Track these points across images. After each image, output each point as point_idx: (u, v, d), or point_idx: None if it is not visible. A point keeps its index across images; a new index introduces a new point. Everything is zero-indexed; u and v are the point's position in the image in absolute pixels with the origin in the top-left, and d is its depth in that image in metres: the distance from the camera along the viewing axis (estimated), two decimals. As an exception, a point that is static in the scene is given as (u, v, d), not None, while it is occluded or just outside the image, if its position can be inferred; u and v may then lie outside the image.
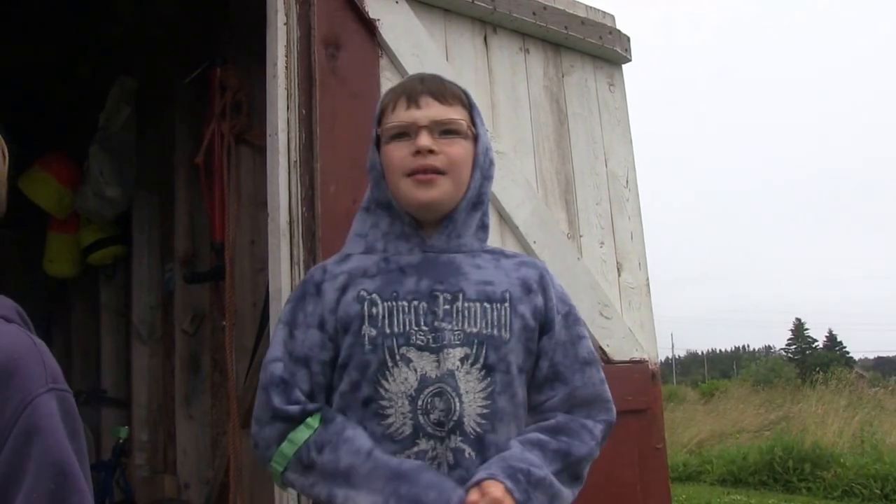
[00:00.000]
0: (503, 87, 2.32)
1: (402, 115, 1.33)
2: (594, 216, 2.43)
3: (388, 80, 2.06)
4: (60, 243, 4.01)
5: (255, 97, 2.85)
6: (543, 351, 1.35)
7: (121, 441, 3.50)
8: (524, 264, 1.41)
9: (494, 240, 2.15)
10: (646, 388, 2.37)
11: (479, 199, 1.38)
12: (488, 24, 2.33)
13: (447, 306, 1.29)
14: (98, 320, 4.11)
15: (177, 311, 3.39)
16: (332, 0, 2.02)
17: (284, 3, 1.99)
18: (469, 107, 1.39)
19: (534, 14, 2.37)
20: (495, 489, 1.18)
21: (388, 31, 2.08)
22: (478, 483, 1.20)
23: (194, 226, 3.44)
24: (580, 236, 2.38)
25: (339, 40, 2.03)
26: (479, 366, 1.27)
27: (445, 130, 1.33)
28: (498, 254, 1.42)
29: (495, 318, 1.31)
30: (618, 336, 2.35)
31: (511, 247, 2.19)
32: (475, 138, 1.38)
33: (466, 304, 1.30)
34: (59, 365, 0.98)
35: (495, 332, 1.30)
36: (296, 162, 1.93)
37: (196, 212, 3.40)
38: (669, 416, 12.00)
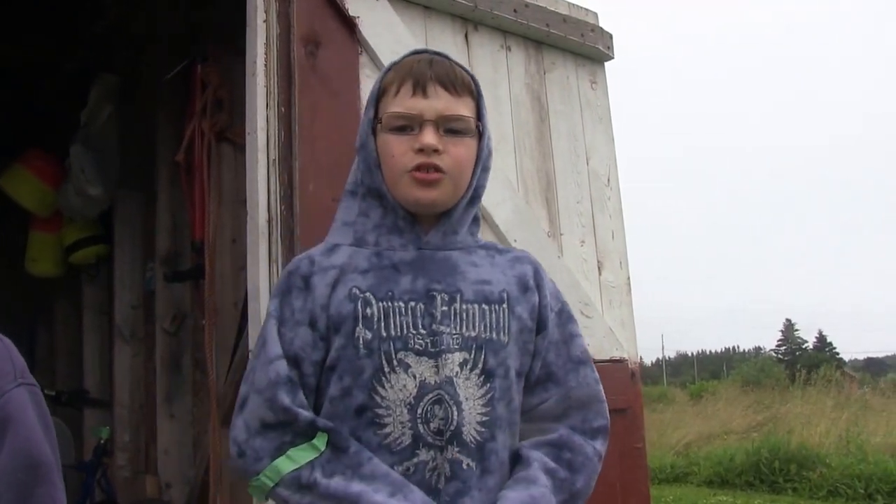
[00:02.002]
0: (484, 85, 2.25)
1: (408, 103, 1.23)
2: (575, 214, 2.43)
3: (367, 78, 2.05)
4: (43, 242, 3.99)
5: (236, 95, 2.84)
6: (537, 351, 1.30)
7: (102, 441, 3.48)
8: (518, 260, 1.35)
9: (475, 238, 2.15)
10: (626, 387, 2.37)
11: (476, 194, 1.31)
12: (469, 22, 2.32)
13: (445, 308, 1.22)
14: (81, 320, 4.08)
15: (158, 310, 3.37)
16: (312, -3, 2.01)
17: (264, 1, 1.98)
18: (477, 96, 1.30)
19: (515, 11, 2.37)
20: None
21: (368, 29, 2.07)
22: None
23: (176, 224, 3.42)
24: (561, 235, 2.38)
25: (319, 38, 2.02)
26: (478, 371, 1.21)
27: (452, 129, 1.24)
28: (492, 249, 1.35)
29: (494, 320, 1.25)
30: (598, 335, 2.34)
31: (492, 245, 2.19)
32: (480, 135, 1.29)
33: (465, 306, 1.23)
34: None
35: (494, 335, 1.24)
36: (275, 160, 1.92)
37: (178, 210, 3.38)
38: (658, 417, 12.07)
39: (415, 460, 1.17)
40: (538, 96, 2.45)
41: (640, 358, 2.56)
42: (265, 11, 1.98)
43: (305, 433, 1.16)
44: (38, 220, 3.93)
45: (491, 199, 2.20)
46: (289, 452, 1.15)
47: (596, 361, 2.29)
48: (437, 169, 1.23)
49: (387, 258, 1.25)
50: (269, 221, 1.88)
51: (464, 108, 1.26)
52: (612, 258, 2.49)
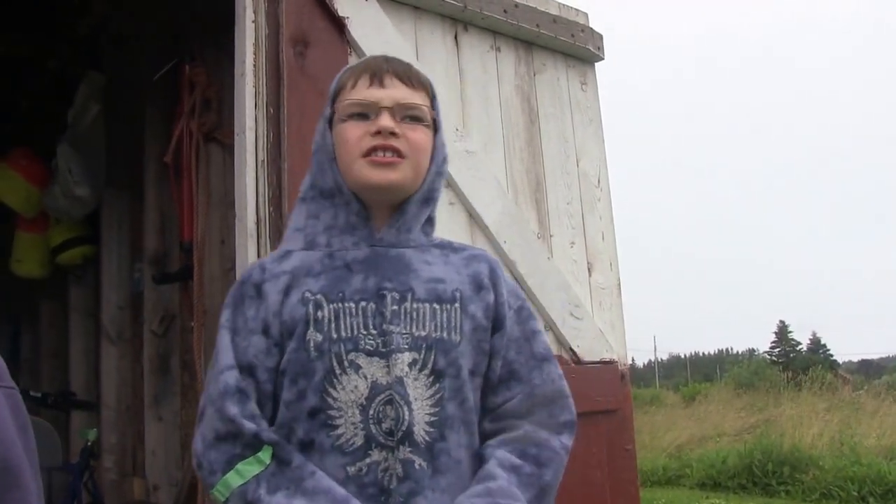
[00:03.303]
0: (474, 86, 2.31)
1: (364, 93, 1.24)
2: (565, 216, 2.43)
3: (357, 79, 2.05)
4: (29, 243, 3.95)
5: (225, 95, 2.82)
6: (496, 350, 1.28)
7: (89, 443, 3.44)
8: (474, 258, 1.33)
9: (464, 239, 2.14)
10: (616, 388, 2.37)
11: (430, 195, 1.30)
12: (459, 22, 2.31)
13: (395, 307, 1.21)
14: (67, 321, 4.05)
15: (146, 311, 3.35)
16: (301, -3, 2.00)
17: (253, 1, 1.97)
18: (432, 97, 1.31)
19: (505, 12, 2.36)
20: None
21: (357, 29, 2.06)
22: None
23: (164, 225, 3.40)
24: (551, 236, 2.37)
25: (308, 38, 2.01)
26: (427, 371, 1.20)
27: (409, 116, 1.24)
28: (446, 248, 1.34)
29: (445, 319, 1.24)
30: (588, 337, 2.34)
31: (481, 246, 2.18)
32: (435, 129, 1.30)
33: (415, 305, 1.23)
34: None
35: (445, 335, 1.23)
36: (263, 161, 1.90)
37: (166, 211, 3.36)
38: (650, 419, 12.07)
39: (367, 461, 1.16)
40: (528, 97, 2.44)
41: (632, 359, 2.56)
42: (254, 11, 1.97)
43: (252, 445, 1.16)
44: (23, 220, 3.89)
45: (480, 201, 2.19)
46: (237, 466, 1.15)
47: (586, 363, 2.33)
48: (397, 153, 1.22)
49: (339, 258, 1.25)
50: (258, 223, 1.87)
51: (419, 99, 1.27)
52: (603, 259, 2.49)
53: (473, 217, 2.18)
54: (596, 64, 2.66)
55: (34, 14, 3.65)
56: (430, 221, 1.33)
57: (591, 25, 2.61)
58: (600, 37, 2.64)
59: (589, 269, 2.44)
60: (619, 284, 2.53)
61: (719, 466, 8.59)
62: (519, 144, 2.37)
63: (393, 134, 1.22)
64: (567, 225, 2.42)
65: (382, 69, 1.26)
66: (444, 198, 2.12)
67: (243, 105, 1.92)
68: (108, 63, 3.67)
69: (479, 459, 1.25)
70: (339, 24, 2.04)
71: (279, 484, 1.14)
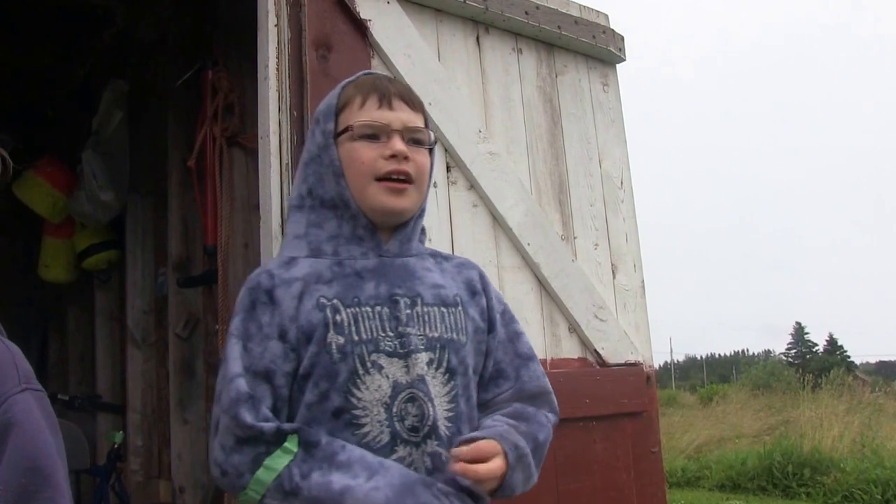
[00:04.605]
0: (496, 88, 2.31)
1: (375, 115, 1.31)
2: (588, 217, 2.42)
3: (379, 82, 2.05)
4: (55, 248, 3.99)
5: (248, 99, 2.84)
6: (489, 350, 1.38)
7: (116, 446, 3.48)
8: (464, 266, 1.44)
9: (488, 242, 2.14)
10: (641, 390, 2.35)
11: (424, 209, 1.41)
12: (480, 24, 2.31)
13: (408, 311, 1.28)
14: (93, 325, 4.08)
15: (170, 315, 3.36)
16: (323, 1, 2.01)
17: (275, 5, 1.98)
18: (425, 117, 1.40)
19: (526, 14, 2.36)
20: (489, 445, 1.21)
21: (379, 32, 2.07)
22: (470, 440, 1.23)
23: (188, 229, 3.42)
24: (574, 238, 2.36)
25: (331, 41, 2.02)
26: (442, 370, 1.28)
27: (413, 139, 1.33)
28: (438, 256, 1.43)
29: (452, 321, 1.32)
30: (613, 339, 2.33)
31: (505, 249, 2.18)
32: (430, 150, 1.39)
33: (426, 309, 1.30)
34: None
35: (454, 335, 1.31)
36: (287, 164, 1.91)
37: (190, 215, 3.38)
38: (668, 420, 11.98)
39: (393, 457, 1.21)
40: (550, 99, 2.43)
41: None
42: (276, 16, 1.97)
43: (275, 441, 1.18)
44: (50, 226, 3.93)
45: (504, 203, 2.19)
46: (265, 462, 1.17)
47: (611, 365, 2.31)
48: (407, 177, 1.31)
49: (349, 266, 1.30)
50: (282, 226, 1.88)
51: (421, 122, 1.36)
52: (626, 261, 2.48)
53: (497, 219, 2.17)
54: (617, 65, 2.65)
55: (59, 24, 3.69)
56: (423, 232, 1.44)
57: (612, 27, 2.60)
58: (621, 38, 2.63)
59: (613, 271, 2.43)
60: (643, 286, 2.51)
61: (739, 468, 8.52)
62: (542, 146, 2.36)
63: (405, 158, 1.30)
64: (591, 227, 2.41)
65: (390, 91, 1.34)
66: (467, 200, 2.12)
67: (267, 109, 1.93)
68: (131, 70, 3.71)
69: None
70: (361, 27, 2.05)
71: (311, 466, 1.17)
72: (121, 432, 3.53)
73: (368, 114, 1.31)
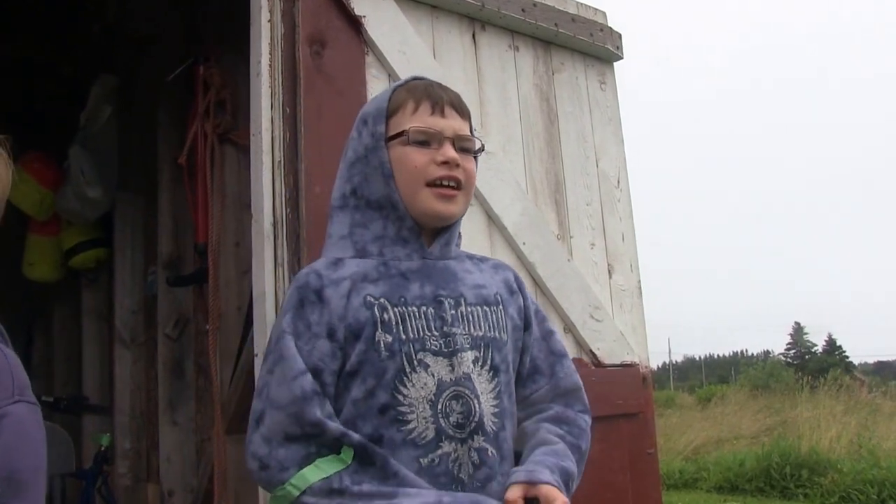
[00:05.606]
0: (492, 86, 2.28)
1: (429, 121, 1.35)
2: (585, 217, 2.39)
3: (374, 78, 2.02)
4: (41, 246, 3.93)
5: (240, 96, 2.80)
6: (526, 347, 1.43)
7: (103, 449, 3.43)
8: (499, 267, 1.50)
9: (483, 242, 2.11)
10: (637, 391, 2.33)
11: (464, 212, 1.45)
12: (476, 21, 2.28)
13: (453, 311, 1.33)
14: (80, 325, 4.03)
15: (160, 315, 3.32)
16: (317, -4, 1.97)
17: (268, 0, 1.95)
18: (471, 126, 1.44)
19: (523, 11, 2.33)
20: (553, 494, 1.22)
21: (374, 29, 2.04)
22: (532, 483, 1.24)
23: (178, 228, 3.37)
24: (570, 237, 2.34)
25: (325, 37, 1.98)
26: (487, 367, 1.32)
27: (463, 147, 1.37)
28: (475, 258, 1.48)
29: (494, 320, 1.37)
30: (609, 339, 2.31)
31: (501, 249, 2.15)
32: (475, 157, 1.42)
33: (469, 309, 1.35)
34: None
35: (496, 334, 1.36)
36: (280, 162, 1.88)
37: (180, 213, 3.34)
38: (666, 422, 12.02)
39: (438, 452, 1.25)
40: (547, 97, 2.41)
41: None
42: (269, 11, 1.94)
43: (331, 445, 1.22)
44: (35, 223, 3.87)
45: (500, 202, 2.16)
46: (317, 462, 1.21)
47: (607, 366, 2.29)
48: (458, 183, 1.35)
49: (394, 267, 1.34)
50: (275, 224, 1.84)
51: (468, 130, 1.41)
52: (623, 261, 2.45)
53: (492, 219, 2.15)
54: (615, 63, 2.62)
55: (47, 17, 3.64)
56: (459, 235, 1.48)
57: (609, 24, 2.58)
58: (619, 36, 2.60)
59: (609, 271, 2.40)
60: (640, 286, 2.49)
61: (736, 469, 8.53)
62: (538, 144, 2.34)
63: (457, 165, 1.34)
64: (587, 226, 2.38)
65: (442, 99, 1.37)
66: (463, 199, 2.09)
67: (259, 105, 1.90)
68: (121, 65, 3.66)
69: (519, 436, 1.38)
70: (355, 24, 2.02)
71: (363, 479, 1.20)
72: (108, 435, 3.49)
73: (422, 119, 1.35)
